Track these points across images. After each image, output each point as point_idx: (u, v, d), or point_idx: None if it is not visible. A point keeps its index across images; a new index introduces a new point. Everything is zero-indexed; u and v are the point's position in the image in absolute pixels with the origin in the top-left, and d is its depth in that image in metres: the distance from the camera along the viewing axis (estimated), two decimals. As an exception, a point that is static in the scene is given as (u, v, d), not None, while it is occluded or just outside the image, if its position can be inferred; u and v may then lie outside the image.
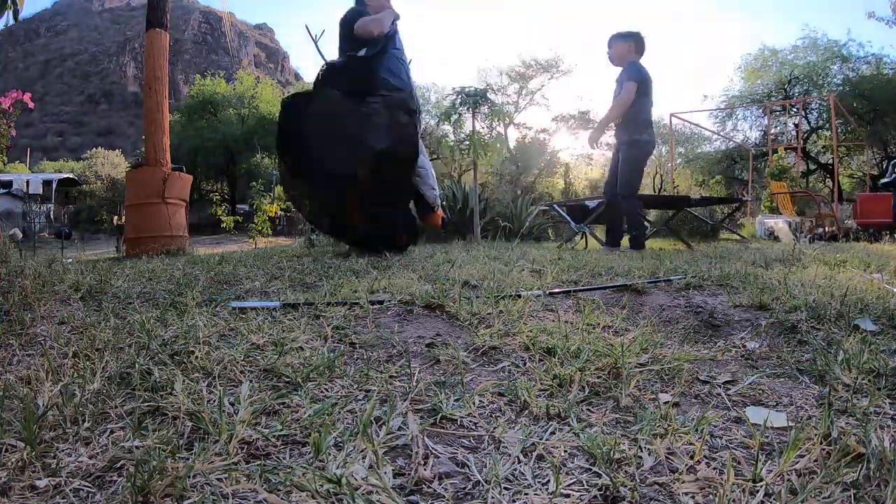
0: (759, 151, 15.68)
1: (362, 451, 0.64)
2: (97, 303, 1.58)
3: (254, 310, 1.42)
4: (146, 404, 0.79)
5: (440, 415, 0.77)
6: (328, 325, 1.24)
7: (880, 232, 6.96)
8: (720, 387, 0.92)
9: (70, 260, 3.03)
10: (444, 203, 7.19)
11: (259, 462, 0.64)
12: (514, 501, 0.57)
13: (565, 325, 1.26)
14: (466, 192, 7.21)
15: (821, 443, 0.68)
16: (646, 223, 4.67)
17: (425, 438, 0.70)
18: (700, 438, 0.70)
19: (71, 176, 24.57)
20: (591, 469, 0.64)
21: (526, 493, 0.58)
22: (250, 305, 1.48)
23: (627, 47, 3.87)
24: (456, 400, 0.83)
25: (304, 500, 0.56)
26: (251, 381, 0.88)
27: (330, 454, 0.64)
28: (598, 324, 1.30)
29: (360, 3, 3.15)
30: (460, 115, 5.12)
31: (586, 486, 0.60)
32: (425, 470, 0.63)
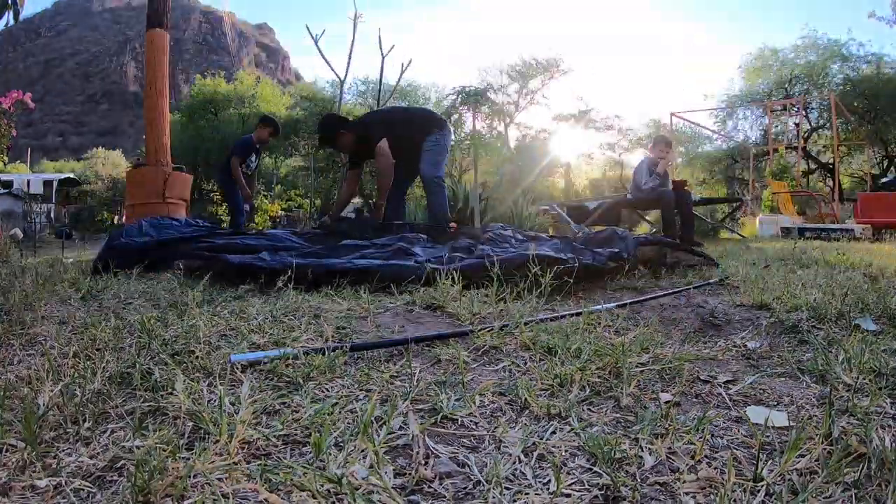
0: (759, 151, 15.66)
1: (363, 450, 0.64)
2: (97, 303, 1.58)
3: (254, 308, 1.42)
4: (147, 404, 0.79)
5: (441, 414, 0.77)
6: (329, 325, 1.24)
7: (880, 231, 6.95)
8: (721, 386, 0.92)
9: (70, 260, 3.03)
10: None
11: (260, 462, 0.64)
12: (514, 501, 0.57)
13: (566, 324, 1.26)
14: (467, 191, 7.20)
15: (822, 442, 0.68)
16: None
17: (426, 438, 0.70)
18: (701, 438, 0.69)
19: (71, 176, 24.57)
20: (591, 469, 0.64)
21: (527, 493, 0.58)
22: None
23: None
24: (457, 399, 0.83)
25: (304, 499, 0.56)
26: (252, 381, 0.88)
27: (330, 454, 0.64)
28: (599, 323, 1.29)
29: None
30: (461, 114, 5.12)
31: (587, 486, 0.60)
32: (426, 470, 0.63)
